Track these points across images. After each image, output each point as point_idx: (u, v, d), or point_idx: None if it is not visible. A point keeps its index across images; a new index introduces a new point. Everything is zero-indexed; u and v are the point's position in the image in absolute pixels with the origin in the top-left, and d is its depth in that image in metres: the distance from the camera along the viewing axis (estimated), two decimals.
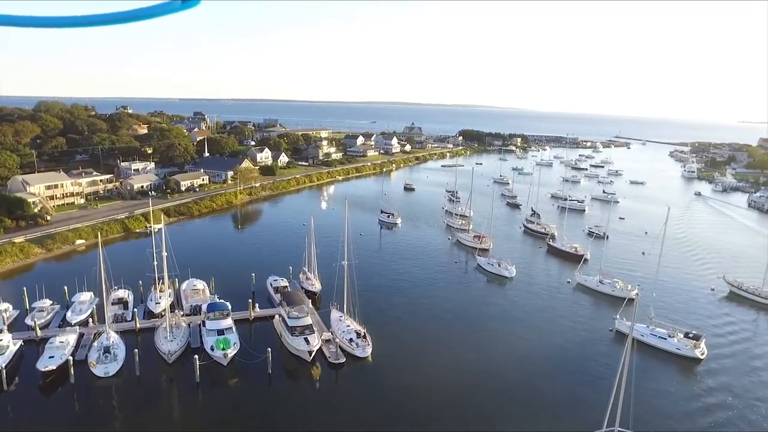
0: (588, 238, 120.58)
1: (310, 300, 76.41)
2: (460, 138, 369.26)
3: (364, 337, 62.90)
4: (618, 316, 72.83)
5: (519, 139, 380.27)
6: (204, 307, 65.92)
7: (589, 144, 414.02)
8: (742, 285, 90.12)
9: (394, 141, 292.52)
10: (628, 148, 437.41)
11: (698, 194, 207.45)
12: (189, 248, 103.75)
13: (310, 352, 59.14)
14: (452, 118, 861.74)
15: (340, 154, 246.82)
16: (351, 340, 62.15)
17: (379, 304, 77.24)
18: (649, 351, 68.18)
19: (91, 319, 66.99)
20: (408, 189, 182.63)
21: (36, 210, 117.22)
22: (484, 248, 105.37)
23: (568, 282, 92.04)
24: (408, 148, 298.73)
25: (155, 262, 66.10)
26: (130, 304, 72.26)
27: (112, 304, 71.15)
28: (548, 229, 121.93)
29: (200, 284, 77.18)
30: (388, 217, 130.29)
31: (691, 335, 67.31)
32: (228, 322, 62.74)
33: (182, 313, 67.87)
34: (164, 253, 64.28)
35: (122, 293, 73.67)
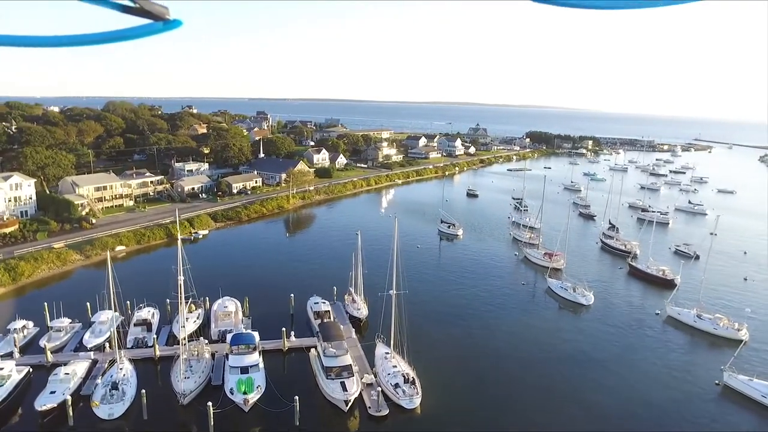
0: (675, 258, 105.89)
1: (354, 329, 67.02)
2: (527, 140, 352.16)
3: (413, 382, 52.65)
4: (727, 367, 59.31)
5: (590, 142, 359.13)
6: (228, 338, 57.31)
7: (666, 147, 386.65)
8: None
9: (458, 143, 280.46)
10: (710, 152, 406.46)
11: None
12: (227, 259, 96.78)
13: (346, 401, 49.47)
14: (518, 119, 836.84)
15: (401, 156, 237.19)
16: (397, 385, 52.03)
17: (432, 335, 66.75)
18: None
19: (108, 344, 59.54)
20: (471, 195, 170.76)
21: (83, 212, 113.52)
22: (556, 268, 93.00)
23: (657, 314, 78.51)
24: (472, 150, 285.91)
25: (180, 278, 56.94)
26: (154, 326, 64.67)
27: (135, 325, 63.90)
28: (629, 246, 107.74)
29: (232, 305, 68.81)
30: (449, 227, 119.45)
31: None
32: (254, 358, 53.83)
33: (206, 341, 59.42)
34: (180, 272, 55.15)
35: (146, 313, 66.23)
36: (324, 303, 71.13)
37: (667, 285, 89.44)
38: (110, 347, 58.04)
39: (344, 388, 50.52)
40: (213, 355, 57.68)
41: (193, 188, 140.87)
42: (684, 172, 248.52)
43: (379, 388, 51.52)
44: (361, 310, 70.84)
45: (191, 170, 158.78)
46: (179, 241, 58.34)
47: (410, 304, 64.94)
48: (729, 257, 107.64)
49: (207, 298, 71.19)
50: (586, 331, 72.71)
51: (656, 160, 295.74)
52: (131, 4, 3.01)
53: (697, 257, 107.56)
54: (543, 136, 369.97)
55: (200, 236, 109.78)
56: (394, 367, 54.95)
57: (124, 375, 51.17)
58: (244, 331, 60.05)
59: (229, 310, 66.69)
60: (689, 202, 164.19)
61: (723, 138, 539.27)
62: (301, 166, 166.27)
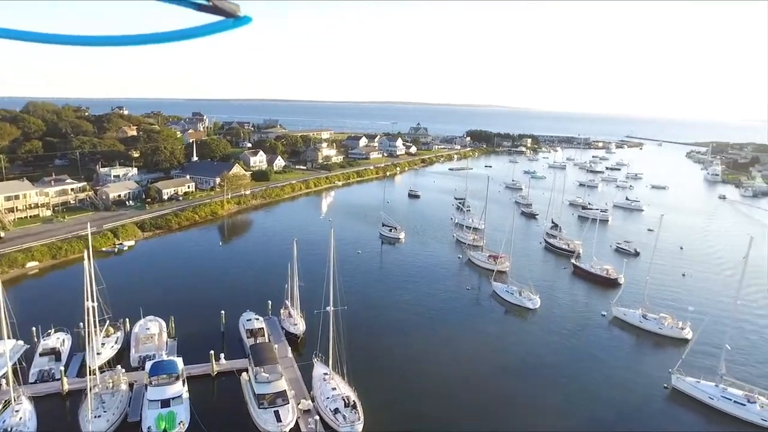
0: (617, 256, 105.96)
1: (291, 346, 62.17)
2: (468, 139, 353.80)
3: (354, 406, 48.32)
4: (675, 370, 57.97)
5: (529, 140, 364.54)
6: (147, 366, 51.16)
7: (601, 144, 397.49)
8: None
9: (399, 142, 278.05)
10: (641, 149, 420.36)
11: (723, 197, 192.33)
12: (154, 273, 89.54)
13: None
14: (459, 118, 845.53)
15: (341, 156, 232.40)
16: (337, 411, 47.58)
17: (374, 351, 62.57)
18: (722, 420, 53.42)
19: (4, 381, 51.49)
20: (413, 196, 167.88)
21: None
22: (501, 270, 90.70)
23: (603, 315, 77.19)
24: (413, 149, 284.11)
25: (90, 303, 50.37)
26: (64, 355, 57.48)
27: (40, 355, 56.48)
28: (572, 246, 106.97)
29: (156, 326, 62.42)
30: (390, 230, 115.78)
31: None
32: (177, 388, 48.12)
33: (124, 370, 53.07)
34: (90, 296, 48.95)
35: (55, 340, 58.95)
36: (258, 319, 65.80)
37: (612, 284, 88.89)
38: (7, 384, 50.39)
39: (278, 418, 45.75)
40: (132, 385, 51.56)
41: (119, 195, 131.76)
42: (619, 169, 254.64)
43: (317, 417, 47.03)
44: (298, 326, 65.99)
45: (118, 176, 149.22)
46: (87, 261, 51.72)
47: (350, 318, 60.67)
48: (667, 253, 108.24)
49: (127, 320, 64.52)
50: (533, 337, 70.44)
51: (592, 157, 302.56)
52: (205, 3, 3.04)
53: (638, 254, 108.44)
54: (483, 134, 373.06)
55: (125, 248, 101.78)
56: (334, 389, 50.49)
57: (20, 419, 44.30)
58: (165, 357, 53.97)
59: (152, 332, 60.39)
60: (626, 199, 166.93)
61: (651, 135, 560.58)
62: (237, 169, 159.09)
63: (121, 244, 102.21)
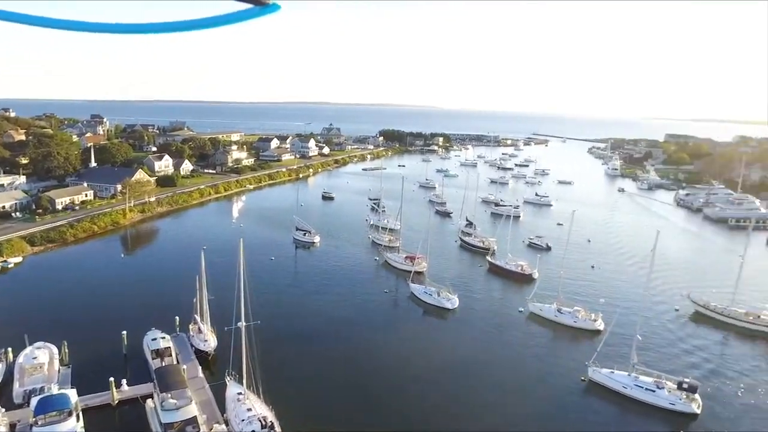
0: (530, 252, 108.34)
1: (201, 365, 57.97)
2: (381, 138, 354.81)
3: (272, 427, 45.17)
4: (591, 362, 59.04)
5: (441, 139, 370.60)
6: (33, 403, 45.37)
7: (510, 142, 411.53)
8: (708, 304, 79.58)
9: (312, 143, 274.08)
10: (546, 145, 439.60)
11: (622, 190, 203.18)
12: (44, 292, 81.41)
13: None
14: (371, 117, 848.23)
15: (252, 159, 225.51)
16: None
17: (291, 365, 59.51)
18: (636, 407, 54.85)
19: None
20: (327, 198, 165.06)
21: None
22: (419, 271, 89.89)
23: (521, 311, 78.10)
24: (326, 150, 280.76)
25: None
26: None
27: None
28: (487, 243, 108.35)
29: (45, 354, 55.96)
30: (305, 234, 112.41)
31: (685, 385, 54.28)
32: (69, 425, 42.93)
33: (4, 409, 46.86)
34: None
35: None
36: (164, 338, 60.87)
37: (527, 280, 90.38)
38: None
39: None
40: (14, 426, 45.68)
41: (3, 206, 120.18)
42: (528, 166, 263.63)
43: None
44: (209, 342, 61.76)
45: (2, 185, 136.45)
46: (10, 262, 45.38)
47: (265, 330, 57.35)
48: (576, 246, 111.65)
49: (10, 349, 57.73)
50: (453, 337, 69.91)
51: (502, 154, 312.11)
52: None
53: (549, 248, 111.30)
54: (396, 134, 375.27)
55: (10, 265, 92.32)
56: (249, 410, 47.06)
57: None
58: (55, 390, 47.91)
59: (40, 362, 54.07)
60: (536, 195, 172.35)
61: (554, 132, 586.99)
62: (140, 174, 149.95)
63: (5, 261, 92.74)
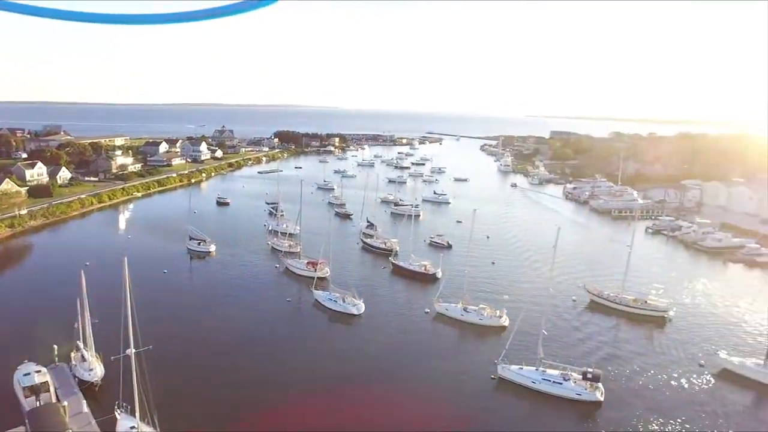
0: (432, 251, 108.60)
1: (86, 399, 51.50)
2: (276, 140, 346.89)
3: None
4: (500, 360, 59.00)
5: (337, 139, 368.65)
6: None
7: (405, 141, 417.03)
8: (602, 293, 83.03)
9: (203, 147, 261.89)
10: (441, 144, 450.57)
11: (514, 186, 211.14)
12: None
13: None
14: (266, 119, 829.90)
15: (139, 165, 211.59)
16: None
17: (190, 391, 54.21)
18: (545, 400, 55.36)
19: None
20: (222, 203, 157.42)
21: None
22: (322, 277, 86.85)
23: (427, 312, 77.24)
24: (219, 153, 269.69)
25: None
26: None
27: None
28: (389, 244, 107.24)
29: None
30: (199, 244, 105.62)
31: (589, 375, 55.48)
32: None
33: None
34: None
35: None
36: (40, 371, 53.26)
37: (431, 279, 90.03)
38: None
39: None
40: None
41: None
42: (424, 164, 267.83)
43: None
44: (95, 371, 55.17)
45: None
46: None
47: (158, 355, 51.74)
48: (476, 243, 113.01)
49: None
50: (361, 343, 67.70)
51: (398, 153, 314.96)
52: None
53: (450, 246, 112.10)
54: (291, 135, 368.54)
55: None
56: None
57: None
58: None
59: None
60: (434, 193, 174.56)
61: (451, 131, 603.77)
62: (7, 185, 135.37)
63: None
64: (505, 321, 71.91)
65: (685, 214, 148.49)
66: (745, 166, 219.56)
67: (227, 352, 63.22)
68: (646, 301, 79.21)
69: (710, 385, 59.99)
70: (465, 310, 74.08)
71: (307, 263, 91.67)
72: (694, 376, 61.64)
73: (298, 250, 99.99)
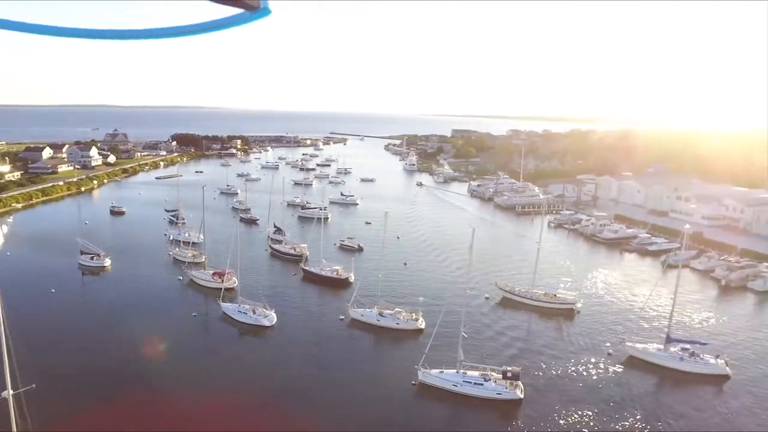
0: (343, 254, 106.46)
1: None
2: (174, 143, 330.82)
3: None
4: (421, 365, 57.86)
5: (239, 141, 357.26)
6: None
7: (309, 142, 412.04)
8: (513, 289, 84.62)
9: (94, 152, 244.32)
10: (345, 144, 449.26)
11: (420, 184, 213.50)
12: None
13: None
14: (162, 121, 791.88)
15: (19, 173, 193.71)
16: None
17: (86, 426, 48.90)
18: (467, 402, 54.99)
19: None
20: (116, 213, 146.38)
21: None
22: (229, 288, 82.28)
23: (341, 319, 75.01)
24: (112, 159, 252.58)
25: None
26: None
27: None
28: (299, 250, 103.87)
29: None
30: (92, 258, 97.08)
31: (509, 374, 55.62)
32: None
33: None
34: None
35: None
36: None
37: (344, 285, 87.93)
38: None
39: None
40: None
41: None
42: (329, 165, 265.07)
43: None
44: None
45: None
46: None
47: (43, 395, 45.98)
48: (387, 244, 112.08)
49: None
50: (275, 356, 64.52)
51: (303, 154, 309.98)
52: None
53: (361, 249, 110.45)
54: (190, 138, 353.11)
55: None
56: None
57: None
58: None
59: None
60: (341, 194, 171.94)
61: (355, 131, 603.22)
62: None
63: None
64: (421, 324, 71.16)
65: (583, 208, 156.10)
66: (631, 161, 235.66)
67: (127, 381, 57.46)
68: (555, 295, 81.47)
69: (619, 372, 62.54)
70: (381, 314, 72.58)
71: (213, 274, 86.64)
72: (604, 364, 63.89)
73: (203, 260, 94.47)
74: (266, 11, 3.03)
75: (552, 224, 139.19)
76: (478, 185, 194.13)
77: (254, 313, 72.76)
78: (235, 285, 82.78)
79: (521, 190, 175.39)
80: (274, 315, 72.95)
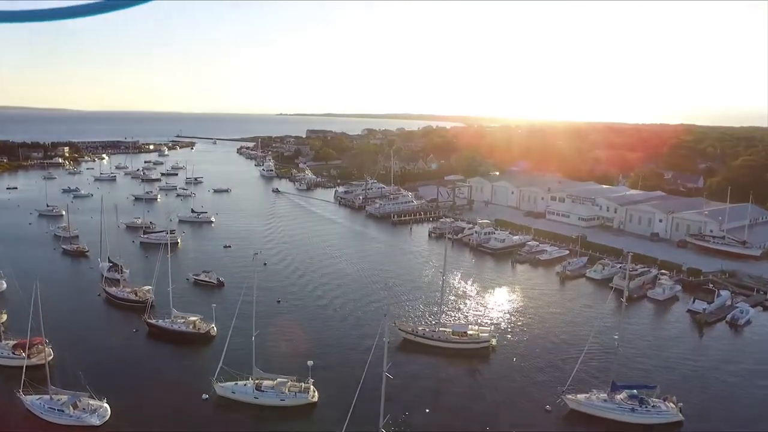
0: (200, 293, 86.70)
1: None
2: None
3: None
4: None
5: (67, 149, 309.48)
6: None
7: (152, 147, 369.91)
8: (416, 330, 70.88)
9: None
10: (192, 148, 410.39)
11: (277, 191, 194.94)
12: None
13: None
14: None
15: None
16: None
17: None
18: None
19: None
20: None
21: None
22: (38, 364, 58.64)
23: (205, 398, 54.94)
24: None
25: None
26: None
27: None
28: (141, 294, 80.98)
29: None
30: None
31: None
32: None
33: None
34: None
35: None
36: None
37: (204, 341, 68.36)
38: None
39: None
40: None
41: None
42: (176, 174, 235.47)
43: None
44: None
45: None
46: None
47: None
48: (253, 274, 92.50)
49: None
50: None
51: (145, 162, 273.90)
52: None
53: (222, 284, 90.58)
54: (3, 145, 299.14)
55: None
56: None
57: None
58: None
59: None
60: (192, 211, 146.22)
61: (203, 133, 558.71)
62: None
63: None
64: (313, 396, 54.27)
65: (460, 213, 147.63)
66: (493, 158, 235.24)
67: None
68: (466, 333, 68.65)
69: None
70: (258, 389, 54.38)
71: (14, 347, 62.18)
72: (544, 424, 52.29)
73: (1, 322, 69.14)
74: None
75: (433, 235, 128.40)
76: (346, 192, 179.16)
77: (75, 407, 50.97)
78: (47, 360, 58.60)
79: (393, 197, 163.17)
80: (107, 407, 51.70)
